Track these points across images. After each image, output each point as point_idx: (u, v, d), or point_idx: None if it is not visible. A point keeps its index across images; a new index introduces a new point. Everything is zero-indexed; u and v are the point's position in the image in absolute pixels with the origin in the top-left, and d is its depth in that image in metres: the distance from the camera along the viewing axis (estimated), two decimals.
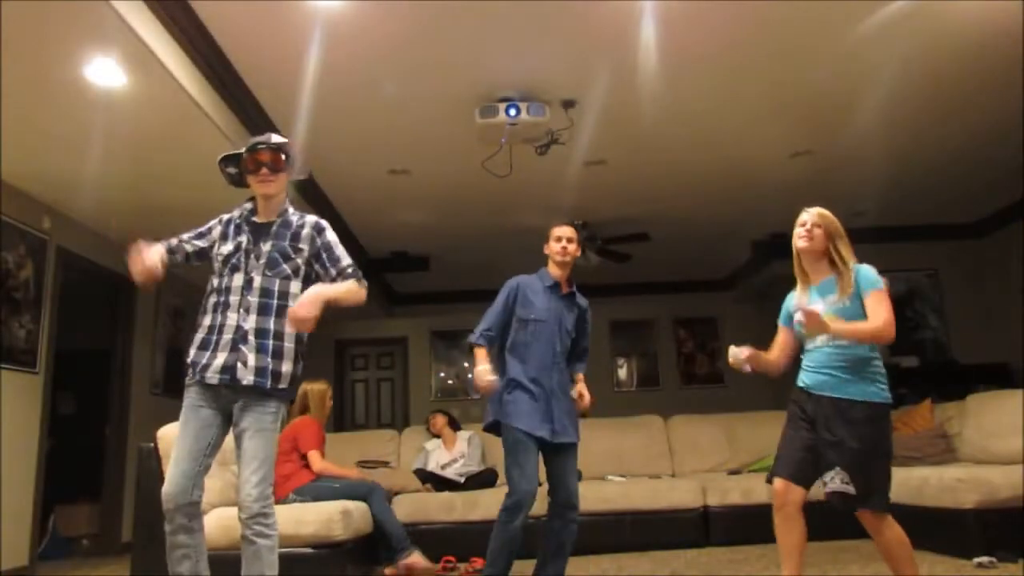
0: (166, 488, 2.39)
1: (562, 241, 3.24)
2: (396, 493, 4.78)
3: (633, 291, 9.36)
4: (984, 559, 3.57)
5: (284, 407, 2.56)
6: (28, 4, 3.00)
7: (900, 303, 7.52)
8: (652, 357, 9.56)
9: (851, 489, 2.51)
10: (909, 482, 4.14)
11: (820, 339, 2.62)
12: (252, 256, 2.53)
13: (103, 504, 5.97)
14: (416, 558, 4.00)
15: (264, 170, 2.55)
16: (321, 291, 2.46)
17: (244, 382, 2.43)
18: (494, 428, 3.20)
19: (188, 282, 7.35)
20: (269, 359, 2.45)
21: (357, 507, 3.93)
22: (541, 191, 5.99)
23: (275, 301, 2.50)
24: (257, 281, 2.50)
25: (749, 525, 4.75)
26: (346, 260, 2.60)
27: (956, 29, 3.99)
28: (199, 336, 2.53)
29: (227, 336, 2.46)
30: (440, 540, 4.55)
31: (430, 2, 3.58)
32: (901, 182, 6.28)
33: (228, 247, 2.57)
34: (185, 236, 2.67)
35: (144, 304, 6.52)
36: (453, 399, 9.18)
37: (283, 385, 2.48)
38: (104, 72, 3.53)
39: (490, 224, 6.82)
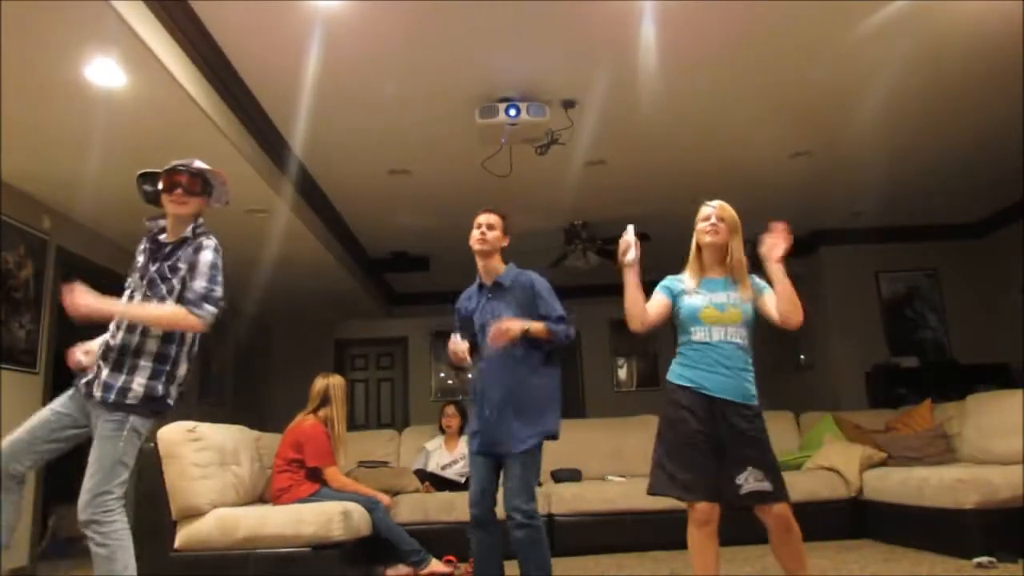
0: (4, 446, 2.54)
1: (481, 228, 3.06)
2: (396, 493, 4.78)
3: None
4: (984, 559, 3.57)
5: (138, 420, 2.62)
6: (28, 4, 3.00)
7: (900, 303, 7.53)
8: (652, 357, 9.56)
9: (767, 486, 2.45)
10: (909, 482, 4.14)
11: (716, 332, 2.55)
12: (140, 276, 2.66)
13: None
14: (436, 566, 4.01)
15: (179, 191, 2.63)
16: (117, 305, 2.57)
17: (95, 396, 2.55)
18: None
19: None
20: (123, 376, 2.54)
21: (357, 508, 3.93)
22: (541, 191, 5.99)
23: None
24: (136, 300, 2.61)
25: (749, 525, 4.74)
26: (198, 284, 2.59)
27: (956, 29, 3.99)
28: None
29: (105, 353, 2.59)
30: (440, 540, 4.54)
31: (430, 2, 3.58)
32: (901, 182, 6.28)
33: (135, 265, 2.72)
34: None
35: None
36: (453, 399, 9.17)
37: (130, 401, 2.56)
38: (104, 72, 3.53)
39: None
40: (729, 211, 2.68)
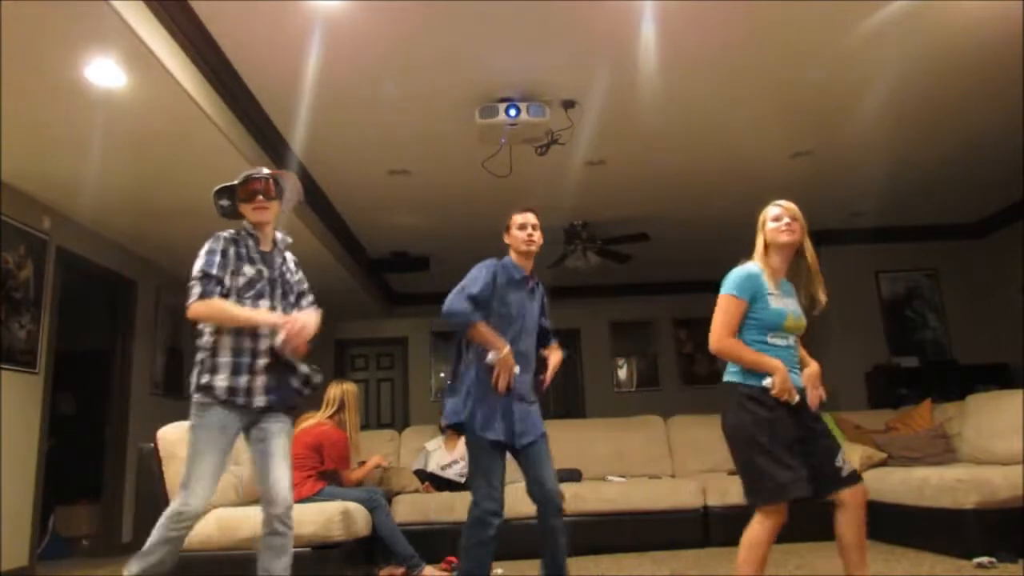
0: (199, 503, 2.52)
1: (527, 229, 3.06)
2: (396, 493, 4.79)
3: (633, 291, 9.37)
4: (984, 559, 3.57)
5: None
6: (28, 4, 3.00)
7: (900, 303, 7.53)
8: (652, 357, 9.57)
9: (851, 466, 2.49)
10: (909, 482, 4.14)
11: (792, 338, 2.55)
12: (269, 284, 2.73)
13: (103, 504, 5.97)
14: (429, 572, 4.02)
15: (259, 197, 2.74)
16: (311, 319, 2.69)
17: (260, 403, 2.67)
18: (458, 427, 3.03)
19: (187, 282, 7.35)
20: (280, 379, 2.70)
21: (357, 508, 3.93)
22: (541, 191, 5.99)
23: None
24: (277, 311, 2.72)
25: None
26: (311, 296, 2.88)
27: (956, 29, 3.99)
28: (226, 360, 2.61)
29: (262, 360, 2.64)
30: (440, 540, 4.55)
31: (430, 2, 3.58)
32: (901, 182, 6.28)
33: (250, 272, 2.70)
34: (216, 273, 2.65)
35: (144, 304, 6.52)
36: None
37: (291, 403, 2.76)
38: (104, 72, 3.53)
39: (490, 224, 6.76)
40: (798, 210, 2.65)
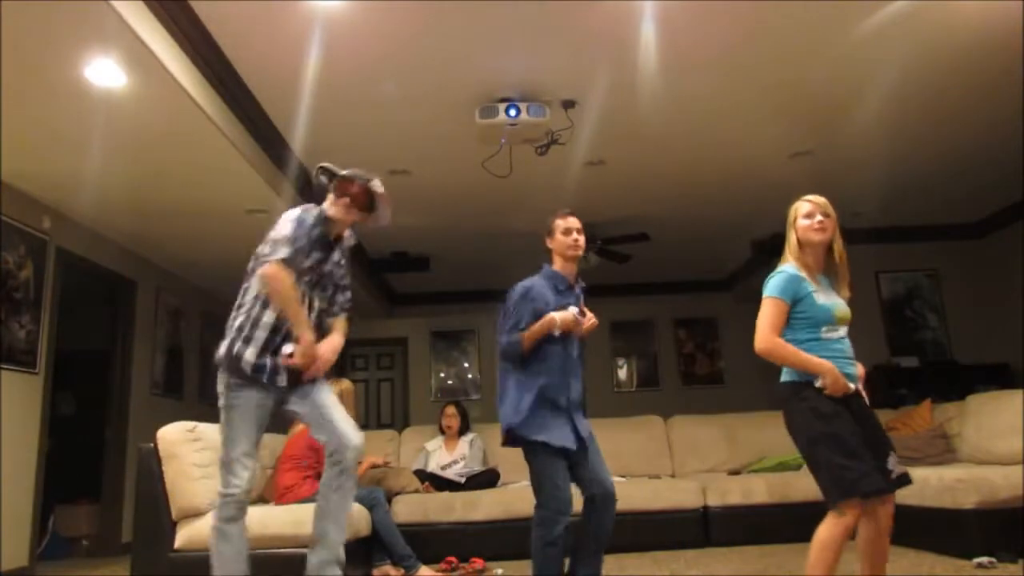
0: (243, 481, 2.55)
1: (572, 233, 3.03)
2: (396, 493, 4.78)
3: (633, 291, 9.36)
4: (984, 559, 3.57)
5: None
6: (28, 4, 3.00)
7: (900, 303, 7.53)
8: (652, 357, 9.56)
9: (905, 469, 2.46)
10: None
11: (843, 329, 2.52)
12: (321, 277, 2.78)
13: (103, 504, 5.97)
14: (425, 572, 4.02)
15: (346, 199, 2.76)
16: (331, 353, 2.76)
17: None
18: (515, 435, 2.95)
19: (187, 282, 7.35)
20: None
21: (357, 508, 3.92)
22: (541, 191, 5.99)
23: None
24: (315, 302, 2.78)
25: (749, 525, 4.76)
26: (348, 292, 2.95)
27: (956, 29, 3.99)
28: (262, 335, 2.66)
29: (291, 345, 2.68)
30: (440, 540, 4.55)
31: (430, 2, 3.58)
32: (901, 182, 6.28)
33: (316, 256, 2.74)
34: (301, 245, 2.68)
35: (144, 304, 6.52)
36: (453, 399, 9.17)
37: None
38: (104, 72, 3.53)
39: (490, 224, 6.82)
40: (830, 207, 2.63)
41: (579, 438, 2.95)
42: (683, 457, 5.62)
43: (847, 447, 2.34)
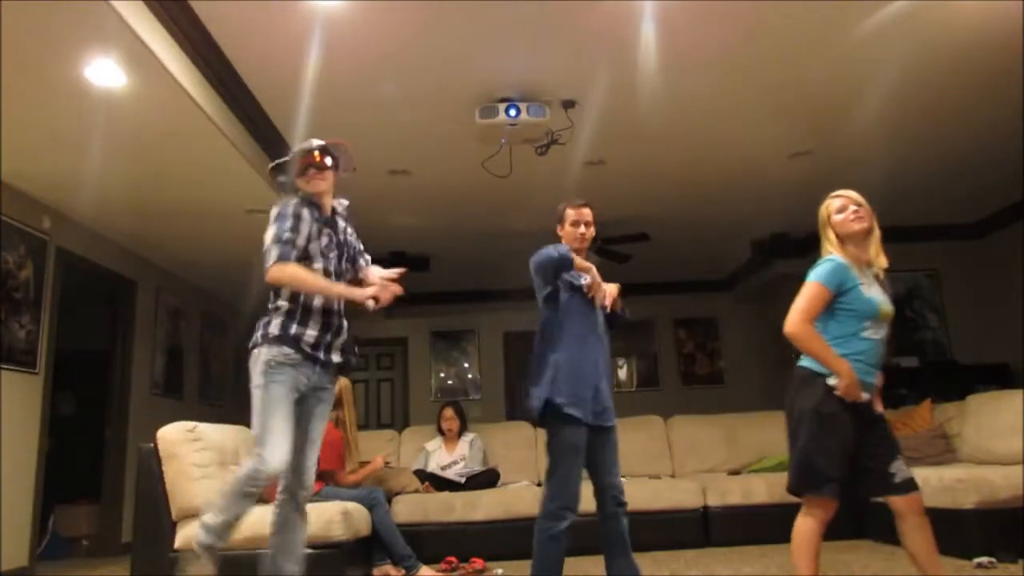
0: (277, 462, 2.50)
1: (580, 226, 2.99)
2: (396, 493, 4.78)
3: (633, 291, 9.31)
4: (984, 559, 3.57)
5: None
6: (28, 4, 3.00)
7: (900, 303, 7.51)
8: (652, 357, 9.56)
9: (912, 474, 2.45)
10: None
11: (884, 329, 2.50)
12: (339, 248, 2.82)
13: (103, 504, 5.97)
14: (426, 572, 4.02)
15: (312, 170, 2.77)
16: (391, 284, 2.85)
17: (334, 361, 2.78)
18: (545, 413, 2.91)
19: (187, 282, 7.35)
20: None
21: (357, 508, 3.93)
22: (541, 191, 5.99)
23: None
24: (343, 276, 2.83)
25: (749, 525, 4.76)
26: (362, 244, 3.03)
27: (956, 29, 3.99)
28: (318, 315, 2.69)
29: (343, 321, 2.81)
30: (440, 540, 4.55)
31: (430, 2, 3.58)
32: (901, 182, 6.28)
33: (324, 239, 2.75)
34: (290, 236, 2.65)
35: (144, 304, 6.52)
36: (451, 401, 9.17)
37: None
38: (104, 72, 3.53)
39: (490, 224, 6.82)
40: (860, 196, 2.62)
41: (606, 410, 2.92)
42: (683, 457, 5.62)
43: (828, 449, 2.38)
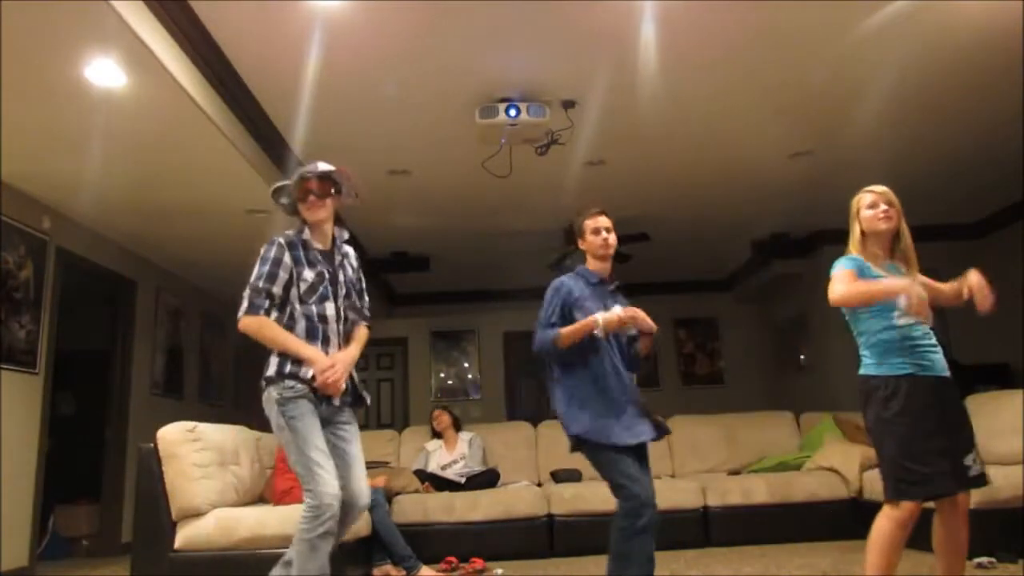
0: (330, 489, 2.45)
1: (601, 232, 2.97)
2: (396, 493, 4.78)
3: (633, 291, 9.33)
4: (984, 559, 3.57)
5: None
6: (28, 4, 3.00)
7: None
8: (652, 357, 9.54)
9: (983, 469, 2.39)
10: None
11: (921, 319, 2.46)
12: (331, 284, 2.70)
13: (103, 504, 5.97)
14: (426, 572, 4.02)
15: (312, 197, 2.68)
16: (354, 355, 2.70)
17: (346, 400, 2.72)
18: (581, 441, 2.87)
19: (187, 282, 7.36)
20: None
21: None
22: (541, 191, 5.99)
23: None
24: (341, 312, 2.71)
25: (749, 525, 4.76)
26: (367, 300, 2.86)
27: (956, 29, 3.99)
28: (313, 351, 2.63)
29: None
30: (440, 540, 4.55)
31: (430, 2, 3.58)
32: (901, 182, 6.17)
33: (310, 275, 2.66)
34: (264, 285, 2.61)
35: (144, 304, 6.52)
36: (453, 399, 9.18)
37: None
38: (104, 72, 3.53)
39: (490, 224, 6.81)
40: (893, 194, 2.62)
41: (643, 430, 2.88)
42: (683, 457, 5.62)
43: (916, 449, 2.31)
